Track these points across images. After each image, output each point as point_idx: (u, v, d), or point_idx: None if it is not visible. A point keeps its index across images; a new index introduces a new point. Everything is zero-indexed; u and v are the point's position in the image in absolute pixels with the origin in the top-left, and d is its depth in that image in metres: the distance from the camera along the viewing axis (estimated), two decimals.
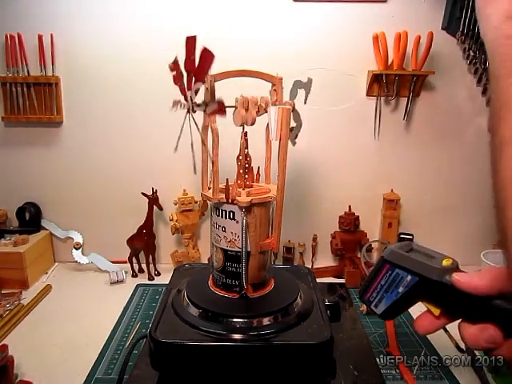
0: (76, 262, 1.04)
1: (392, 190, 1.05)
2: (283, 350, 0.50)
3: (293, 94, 0.58)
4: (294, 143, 0.58)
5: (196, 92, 0.50)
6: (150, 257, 1.03)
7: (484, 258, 0.91)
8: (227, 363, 0.50)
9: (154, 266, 1.04)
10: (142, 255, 1.04)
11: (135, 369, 0.56)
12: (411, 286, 0.35)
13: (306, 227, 1.07)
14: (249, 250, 0.56)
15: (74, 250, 1.05)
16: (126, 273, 1.02)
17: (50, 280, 1.00)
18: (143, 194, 0.99)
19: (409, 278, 0.35)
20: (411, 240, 1.04)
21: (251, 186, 0.61)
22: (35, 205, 1.05)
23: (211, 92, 0.51)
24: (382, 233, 1.07)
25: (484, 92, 0.97)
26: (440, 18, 0.93)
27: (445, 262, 0.34)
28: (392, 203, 1.03)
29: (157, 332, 0.51)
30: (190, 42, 0.47)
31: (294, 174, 1.02)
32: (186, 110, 0.51)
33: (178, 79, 0.49)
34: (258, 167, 0.63)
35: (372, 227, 1.08)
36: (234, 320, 0.53)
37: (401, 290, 0.35)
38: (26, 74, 0.96)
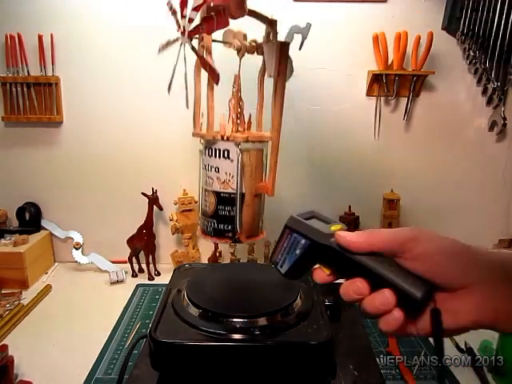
0: (76, 262, 1.04)
1: (392, 190, 1.05)
2: (283, 349, 0.50)
3: (288, 39, 0.57)
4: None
5: (190, 21, 0.48)
6: (150, 257, 1.03)
7: None
8: (227, 363, 0.50)
9: (154, 265, 1.04)
10: (142, 255, 1.04)
11: (135, 369, 0.56)
12: (305, 249, 0.39)
13: None
14: (243, 191, 0.53)
15: (74, 250, 1.05)
16: (126, 273, 1.02)
17: (50, 280, 1.00)
18: (143, 194, 0.99)
19: (303, 241, 0.39)
20: None
21: (244, 132, 0.59)
22: (35, 205, 1.05)
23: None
24: None
25: (484, 92, 0.97)
26: (440, 18, 0.93)
27: (333, 228, 0.39)
28: (392, 203, 1.03)
29: (157, 332, 0.51)
30: None
31: (293, 174, 1.02)
32: (180, 42, 0.48)
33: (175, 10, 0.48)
34: (250, 114, 0.61)
35: (372, 227, 1.07)
36: (234, 320, 0.53)
37: (298, 252, 0.40)
38: (26, 74, 0.96)
